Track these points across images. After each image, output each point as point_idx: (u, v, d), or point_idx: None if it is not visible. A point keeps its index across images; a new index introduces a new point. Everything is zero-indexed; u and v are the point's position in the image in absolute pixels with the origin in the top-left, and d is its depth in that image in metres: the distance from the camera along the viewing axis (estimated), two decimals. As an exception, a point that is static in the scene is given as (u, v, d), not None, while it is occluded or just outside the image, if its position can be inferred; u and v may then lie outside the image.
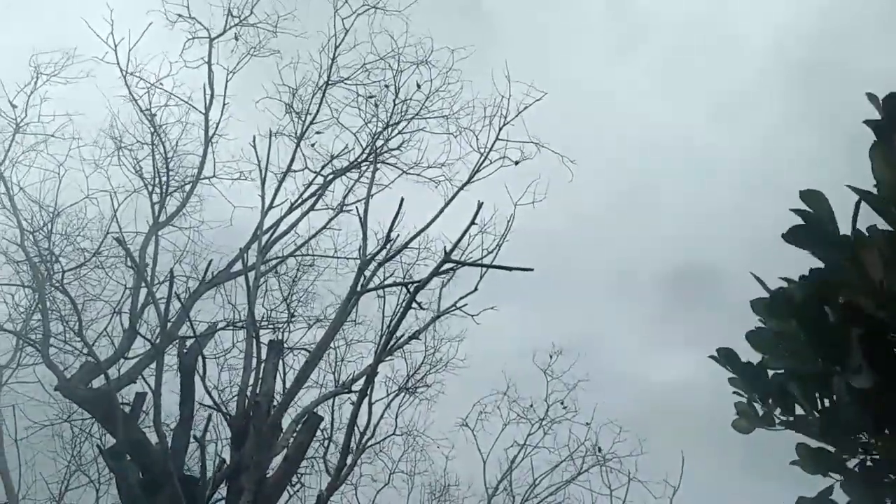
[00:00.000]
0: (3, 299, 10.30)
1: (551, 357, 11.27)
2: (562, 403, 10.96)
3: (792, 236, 2.92)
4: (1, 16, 12.66)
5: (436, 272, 7.45)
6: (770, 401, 3.31)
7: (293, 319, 10.44)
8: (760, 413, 3.33)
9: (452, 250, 7.40)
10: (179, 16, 10.54)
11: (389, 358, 9.29)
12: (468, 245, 8.56)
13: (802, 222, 2.90)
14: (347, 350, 10.24)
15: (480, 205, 7.50)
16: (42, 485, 9.66)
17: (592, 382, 11.18)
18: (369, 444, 9.24)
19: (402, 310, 7.42)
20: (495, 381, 11.56)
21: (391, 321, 7.86)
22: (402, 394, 10.22)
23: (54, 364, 9.14)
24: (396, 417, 10.41)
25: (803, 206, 2.92)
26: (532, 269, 7.26)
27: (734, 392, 3.45)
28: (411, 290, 7.54)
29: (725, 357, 3.37)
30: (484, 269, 8.69)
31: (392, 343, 8.89)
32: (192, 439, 8.83)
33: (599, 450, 10.47)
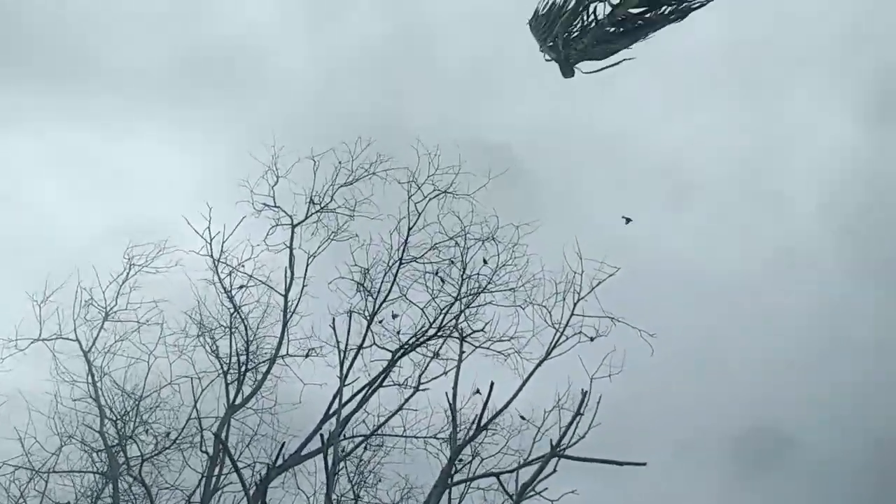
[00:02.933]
0: (73, 483, 10.21)
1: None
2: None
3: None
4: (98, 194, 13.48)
5: (543, 467, 7.17)
6: None
7: (361, 505, 10.02)
8: None
9: (559, 443, 7.18)
10: (265, 205, 11.27)
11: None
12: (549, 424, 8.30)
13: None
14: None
15: (585, 393, 7.36)
16: None
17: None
18: None
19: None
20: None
21: None
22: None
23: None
24: None
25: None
26: (645, 464, 6.97)
27: None
28: (517, 487, 7.18)
29: None
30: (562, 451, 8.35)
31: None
32: None
33: None
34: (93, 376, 10.30)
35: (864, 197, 15.64)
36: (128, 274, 10.98)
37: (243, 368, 10.71)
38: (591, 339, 9.37)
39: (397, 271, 11.23)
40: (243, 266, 11.26)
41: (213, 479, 9.51)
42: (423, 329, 10.94)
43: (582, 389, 7.42)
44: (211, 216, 10.93)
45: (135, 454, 9.87)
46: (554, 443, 7.19)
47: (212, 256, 10.97)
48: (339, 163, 11.47)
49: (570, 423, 7.16)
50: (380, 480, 10.35)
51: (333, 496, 9.14)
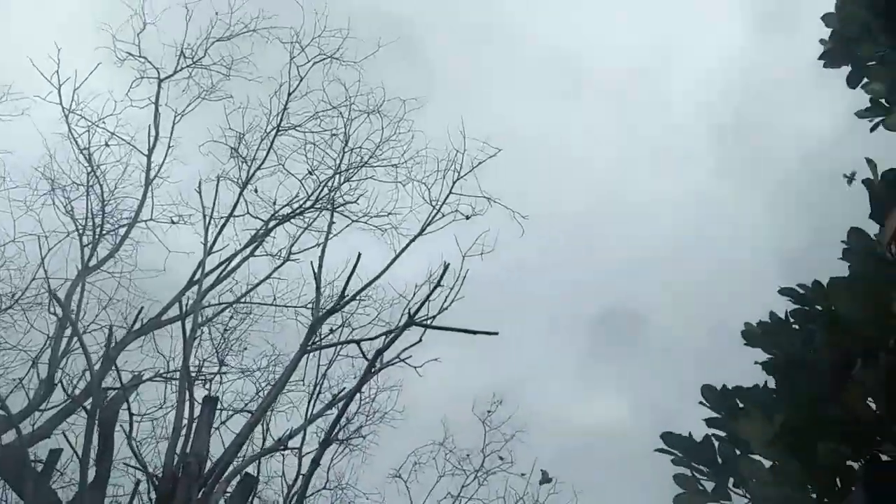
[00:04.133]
0: None
1: (490, 408, 11.07)
2: (500, 457, 10.69)
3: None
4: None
5: (399, 334, 7.25)
6: (720, 474, 3.26)
7: (224, 371, 9.94)
8: (709, 488, 3.28)
9: (416, 313, 7.25)
10: (129, 54, 10.27)
11: (329, 412, 8.90)
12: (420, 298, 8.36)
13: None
14: (275, 403, 9.74)
15: (446, 266, 7.41)
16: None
17: (526, 428, 11.04)
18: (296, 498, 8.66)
19: (364, 372, 7.10)
20: (432, 430, 11.27)
21: (353, 388, 7.37)
22: (335, 445, 9.75)
23: (-41, 416, 8.36)
24: (328, 471, 9.92)
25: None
26: (497, 333, 7.18)
27: (675, 464, 3.36)
28: (370, 351, 7.23)
29: (672, 441, 3.35)
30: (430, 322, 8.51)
31: (333, 399, 8.51)
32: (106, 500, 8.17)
33: (538, 504, 10.18)
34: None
35: (741, 101, 16.38)
36: (-34, 119, 9.83)
37: (98, 230, 10.04)
38: (467, 218, 9.40)
39: (274, 138, 10.73)
40: (104, 122, 10.37)
41: (63, 341, 9.03)
42: (299, 200, 10.66)
43: (444, 262, 7.50)
44: (60, 59, 9.85)
45: (-27, 313, 9.17)
46: (412, 312, 7.26)
47: (61, 105, 9.96)
48: (216, 14, 10.59)
49: (429, 294, 7.24)
50: (246, 348, 10.28)
51: (198, 359, 8.95)
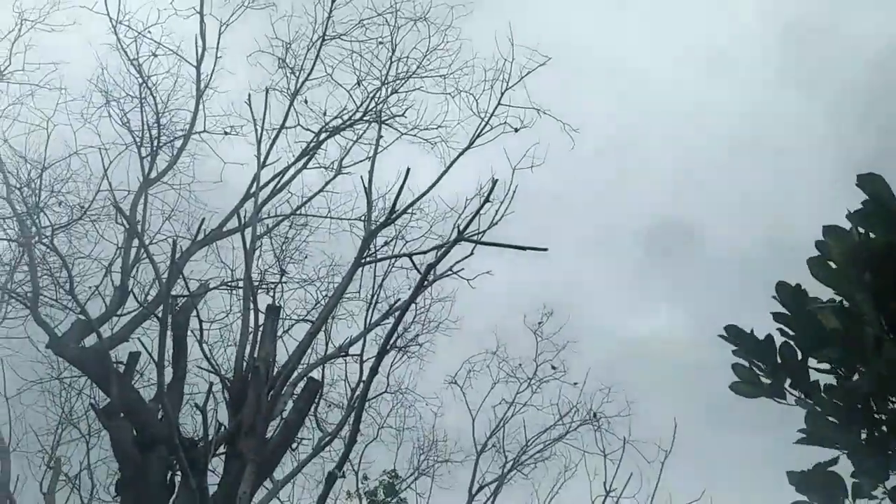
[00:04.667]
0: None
1: (541, 319, 11.43)
2: (552, 366, 11.14)
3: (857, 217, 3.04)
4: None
5: (449, 250, 7.39)
6: (778, 373, 3.36)
7: (285, 280, 10.38)
8: (765, 383, 3.39)
9: (465, 229, 7.33)
10: (169, -39, 10.09)
11: (386, 322, 9.32)
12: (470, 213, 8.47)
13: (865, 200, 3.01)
14: (335, 311, 10.20)
15: (495, 182, 7.40)
16: (33, 437, 9.64)
17: (578, 338, 11.39)
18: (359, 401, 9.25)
19: (417, 285, 7.32)
20: (485, 340, 11.73)
21: (407, 299, 7.62)
22: (393, 353, 10.27)
23: (44, 321, 9.01)
24: (388, 377, 10.53)
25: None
26: (546, 250, 7.25)
27: (736, 355, 3.46)
28: (422, 265, 7.44)
29: (734, 333, 3.42)
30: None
31: (389, 309, 8.90)
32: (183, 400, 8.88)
33: (595, 415, 10.69)
34: (-10, 141, 9.68)
35: (803, 3, 15.41)
36: (20, 30, 9.93)
37: (156, 143, 10.26)
38: (516, 130, 9.33)
39: (321, 48, 10.61)
40: (149, 32, 10.35)
41: (133, 251, 9.50)
42: (348, 111, 10.66)
43: (493, 177, 7.51)
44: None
45: (46, 224, 9.64)
46: (461, 228, 7.39)
47: (108, 14, 9.95)
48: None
49: (478, 210, 7.31)
50: (305, 257, 10.68)
51: (259, 268, 9.37)
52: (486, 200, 7.21)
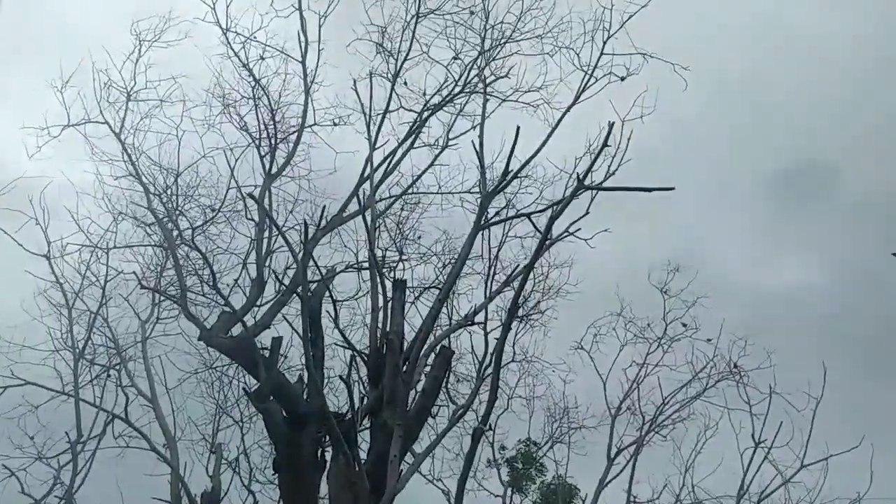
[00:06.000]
0: (135, 259, 10.96)
1: (667, 276, 11.07)
2: (682, 324, 10.78)
3: None
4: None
5: (570, 201, 7.29)
6: None
7: (404, 258, 10.65)
8: None
9: (586, 176, 7.20)
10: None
11: (508, 289, 9.37)
12: (584, 167, 8.31)
13: None
14: (456, 284, 10.34)
15: (611, 125, 7.22)
16: (193, 427, 10.45)
17: (707, 294, 10.93)
18: (488, 372, 9.38)
19: (539, 244, 7.29)
20: (608, 302, 11.49)
21: (532, 258, 7.59)
22: (516, 322, 10.28)
23: (194, 316, 9.74)
24: (513, 346, 10.56)
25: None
26: (673, 189, 7.00)
27: None
28: (545, 221, 7.38)
29: None
30: (594, 192, 8.48)
31: (511, 273, 8.94)
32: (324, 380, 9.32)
33: (736, 366, 10.29)
34: (129, 155, 10.52)
35: None
36: (139, 51, 10.71)
37: (273, 140, 10.80)
38: (622, 79, 9.05)
39: (415, 26, 10.75)
40: (255, 36, 10.88)
41: (264, 243, 10.07)
42: (448, 86, 10.76)
43: (609, 121, 7.26)
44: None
45: (184, 227, 10.39)
46: (580, 176, 7.21)
47: (218, 24, 10.54)
48: None
49: (597, 155, 7.11)
50: (420, 236, 10.91)
51: (378, 250, 9.65)
52: (605, 144, 7.03)
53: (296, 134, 10.88)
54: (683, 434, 10.76)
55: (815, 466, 9.64)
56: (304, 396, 9.00)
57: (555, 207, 8.07)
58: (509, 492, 11.62)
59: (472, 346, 9.50)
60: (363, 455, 8.20)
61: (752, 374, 10.33)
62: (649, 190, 6.94)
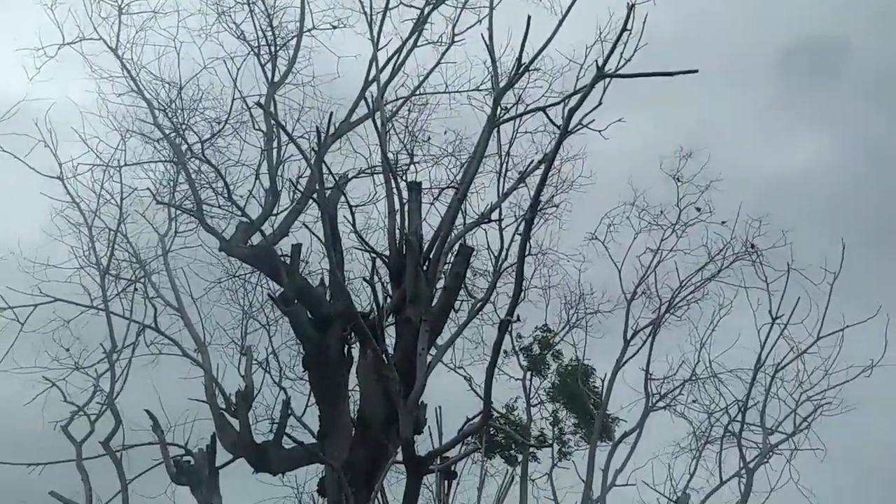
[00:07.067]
0: (147, 176, 10.97)
1: (679, 162, 11.09)
2: (696, 209, 10.89)
3: None
4: None
5: (590, 90, 7.17)
6: None
7: (416, 161, 10.65)
8: None
9: (605, 64, 7.04)
10: None
11: (521, 185, 9.43)
12: (595, 56, 8.14)
13: None
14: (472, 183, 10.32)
15: (631, 6, 6.99)
16: (222, 332, 10.79)
17: (720, 177, 10.97)
18: (504, 266, 9.54)
19: (559, 137, 7.21)
20: (622, 192, 11.56)
21: (548, 152, 7.56)
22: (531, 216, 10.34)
23: (212, 228, 9.88)
24: (529, 238, 10.69)
25: None
26: (696, 71, 6.82)
27: None
28: (563, 112, 7.28)
29: None
30: (607, 81, 8.34)
31: (527, 168, 8.98)
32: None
33: (752, 245, 10.48)
34: (128, 71, 10.35)
35: None
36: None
37: (272, 48, 10.57)
38: (631, -38, 8.69)
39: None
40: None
41: (274, 152, 10.06)
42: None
43: (628, 2, 7.03)
44: None
45: (193, 141, 10.35)
46: (600, 64, 7.08)
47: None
48: None
49: (617, 40, 6.90)
50: (429, 138, 10.85)
51: (390, 153, 9.64)
52: (624, 28, 6.81)
53: (295, 39, 10.65)
54: (699, 314, 11.13)
55: (830, 340, 9.98)
56: (328, 298, 9.28)
57: (569, 99, 7.97)
58: (528, 375, 12.17)
59: (488, 242, 9.70)
60: (390, 351, 8.52)
61: (768, 254, 10.54)
62: (672, 74, 6.75)
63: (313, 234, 8.94)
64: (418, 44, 10.62)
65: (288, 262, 9.34)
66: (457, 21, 10.44)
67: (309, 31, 10.84)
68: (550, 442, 11.93)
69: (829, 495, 10.09)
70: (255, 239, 9.67)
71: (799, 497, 9.81)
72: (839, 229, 10.20)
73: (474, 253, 9.34)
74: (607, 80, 7.90)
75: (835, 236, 9.85)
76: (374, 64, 10.13)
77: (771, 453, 10.27)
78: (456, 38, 10.35)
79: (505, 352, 11.88)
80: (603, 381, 11.35)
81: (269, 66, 10.52)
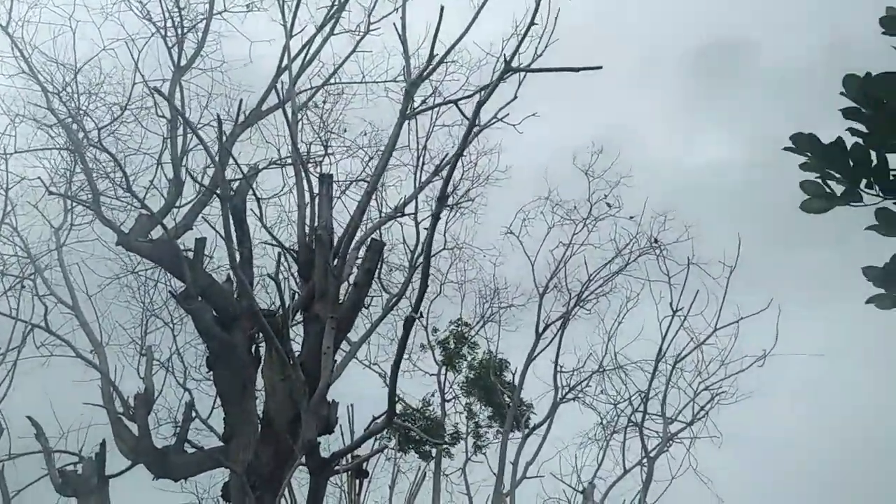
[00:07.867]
0: (40, 164, 10.24)
1: (591, 158, 11.21)
2: (607, 204, 11.03)
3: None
4: None
5: (497, 84, 7.05)
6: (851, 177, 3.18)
7: (329, 152, 10.32)
8: (838, 191, 3.22)
9: (513, 58, 6.93)
10: None
11: (437, 178, 9.24)
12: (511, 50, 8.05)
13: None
14: (384, 175, 10.13)
15: (538, 1, 6.90)
16: (121, 331, 10.21)
17: (630, 174, 11.17)
18: (420, 262, 9.37)
19: (466, 131, 7.05)
20: (536, 187, 11.63)
21: (459, 146, 7.43)
22: (447, 210, 10.26)
23: (109, 221, 9.29)
24: (444, 234, 10.65)
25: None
26: (601, 67, 6.82)
27: (804, 170, 3.31)
28: (473, 107, 7.11)
29: (802, 142, 3.20)
30: (522, 75, 8.28)
31: (440, 163, 8.80)
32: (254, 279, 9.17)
33: (656, 240, 10.66)
34: (20, 51, 9.61)
35: None
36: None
37: (179, 29, 10.01)
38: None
39: None
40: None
41: (179, 140, 9.53)
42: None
43: None
44: None
45: (91, 128, 9.70)
46: (507, 58, 6.99)
47: None
48: None
49: (524, 35, 6.85)
50: (345, 129, 10.54)
51: (302, 144, 9.30)
52: (532, 23, 6.75)
53: (204, 22, 10.12)
54: (607, 307, 11.36)
55: (726, 331, 10.36)
56: (235, 295, 8.87)
57: (482, 93, 7.86)
58: (443, 370, 12.13)
59: (404, 237, 9.51)
60: (297, 348, 8.22)
61: (672, 248, 10.81)
62: (576, 70, 6.75)
63: (215, 230, 8.51)
64: (334, 32, 10.31)
65: (191, 257, 8.88)
66: (372, 9, 10.16)
67: (220, 13, 10.35)
68: (448, 442, 11.84)
69: (726, 480, 10.43)
70: (157, 233, 9.15)
71: (698, 483, 10.09)
72: (740, 226, 10.54)
73: (388, 247, 9.12)
74: (522, 74, 7.89)
75: (735, 232, 10.16)
76: (286, 51, 9.74)
77: (671, 441, 10.52)
78: (371, 27, 10.07)
79: (422, 345, 11.74)
80: (513, 374, 11.45)
81: (175, 49, 9.97)
